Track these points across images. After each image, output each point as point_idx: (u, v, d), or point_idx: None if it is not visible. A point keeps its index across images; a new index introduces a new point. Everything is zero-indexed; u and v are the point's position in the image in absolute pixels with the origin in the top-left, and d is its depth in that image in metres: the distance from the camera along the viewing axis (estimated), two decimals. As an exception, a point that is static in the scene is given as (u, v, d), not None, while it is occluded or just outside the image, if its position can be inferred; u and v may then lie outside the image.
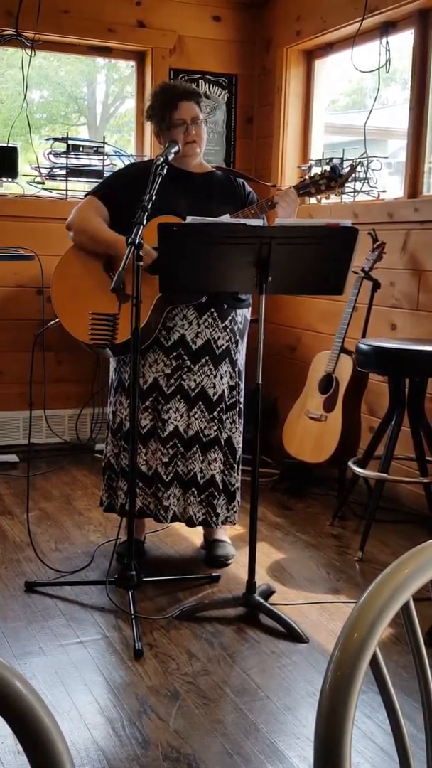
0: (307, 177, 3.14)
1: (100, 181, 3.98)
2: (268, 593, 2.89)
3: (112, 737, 2.08)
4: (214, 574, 3.05)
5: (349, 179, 3.40)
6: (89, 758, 2.00)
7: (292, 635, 2.62)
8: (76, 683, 2.33)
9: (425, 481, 3.43)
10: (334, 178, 3.07)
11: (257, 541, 2.77)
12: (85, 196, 3.19)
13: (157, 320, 2.99)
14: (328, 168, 3.11)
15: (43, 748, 0.77)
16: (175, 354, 3.04)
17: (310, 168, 4.38)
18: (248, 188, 3.20)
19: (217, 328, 3.06)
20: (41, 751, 0.77)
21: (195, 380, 3.05)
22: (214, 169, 3.24)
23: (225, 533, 3.32)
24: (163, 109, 3.04)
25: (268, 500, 3.95)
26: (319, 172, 3.11)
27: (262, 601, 2.74)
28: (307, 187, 3.10)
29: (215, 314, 3.05)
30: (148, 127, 4.78)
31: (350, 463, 3.52)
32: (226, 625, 2.69)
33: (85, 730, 2.11)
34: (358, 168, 4.11)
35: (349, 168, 3.27)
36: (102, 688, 2.31)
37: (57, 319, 3.05)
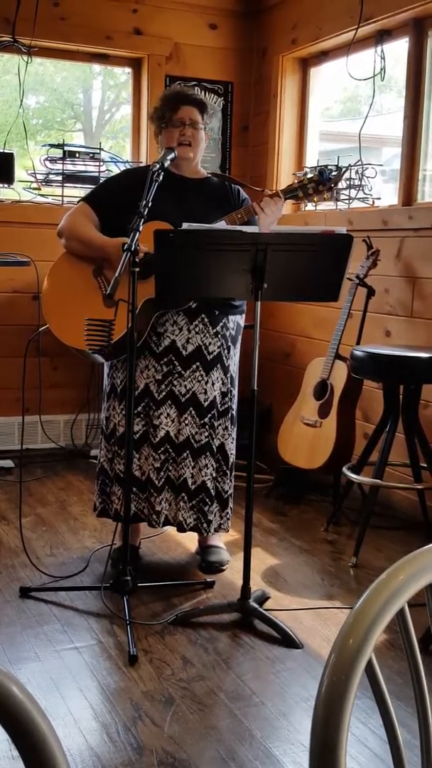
0: (295, 181, 3.15)
1: (93, 187, 3.98)
2: (263, 599, 2.89)
3: (106, 743, 2.08)
4: (208, 579, 3.05)
5: (338, 183, 3.40)
6: (84, 764, 2.00)
7: (287, 641, 2.62)
8: (71, 689, 2.33)
9: (419, 487, 3.45)
10: (321, 182, 3.08)
11: (252, 547, 2.77)
12: (78, 202, 3.20)
13: (145, 324, 2.99)
14: (316, 172, 3.12)
15: (38, 753, 0.77)
16: (165, 360, 3.04)
17: (305, 175, 4.39)
18: (243, 195, 3.21)
19: (207, 334, 3.06)
20: (37, 757, 0.77)
21: (186, 386, 3.05)
22: (209, 175, 3.25)
23: (220, 539, 3.32)
24: (166, 108, 3.09)
25: (262, 506, 3.96)
26: (308, 177, 3.13)
27: (256, 606, 2.74)
28: (294, 191, 3.11)
29: (206, 320, 3.06)
30: (144, 133, 4.81)
31: (345, 469, 3.53)
32: (221, 630, 2.70)
33: (79, 736, 2.11)
34: (353, 175, 4.12)
35: (336, 173, 3.28)
36: (97, 693, 2.31)
37: (47, 325, 3.06)
